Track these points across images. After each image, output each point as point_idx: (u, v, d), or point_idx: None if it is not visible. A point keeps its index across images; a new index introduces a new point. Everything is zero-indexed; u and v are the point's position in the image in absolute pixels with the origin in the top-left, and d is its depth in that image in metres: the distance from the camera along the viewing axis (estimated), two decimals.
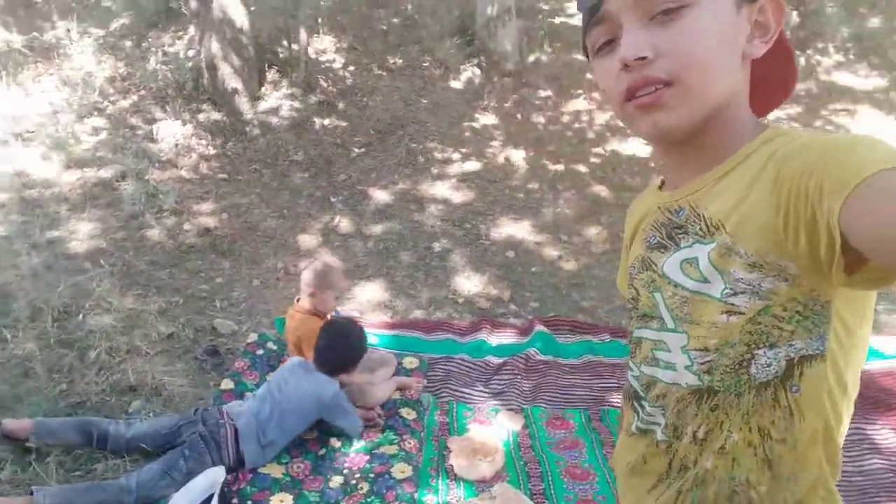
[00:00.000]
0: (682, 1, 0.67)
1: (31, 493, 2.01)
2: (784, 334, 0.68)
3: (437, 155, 5.22)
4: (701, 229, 0.74)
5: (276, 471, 2.36)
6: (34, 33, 5.73)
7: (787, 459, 0.72)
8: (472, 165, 5.17)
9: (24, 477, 2.19)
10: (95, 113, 5.02)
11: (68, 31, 5.60)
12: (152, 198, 4.21)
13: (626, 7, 0.69)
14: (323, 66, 5.87)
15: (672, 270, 0.77)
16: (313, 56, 5.83)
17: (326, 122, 5.34)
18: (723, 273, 0.70)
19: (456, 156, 5.26)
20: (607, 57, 0.74)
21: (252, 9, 5.48)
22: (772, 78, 0.80)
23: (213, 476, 2.12)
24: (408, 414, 2.70)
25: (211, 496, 2.04)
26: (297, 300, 2.92)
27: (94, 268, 3.50)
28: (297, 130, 5.20)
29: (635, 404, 0.86)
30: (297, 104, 5.39)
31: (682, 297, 0.75)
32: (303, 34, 5.52)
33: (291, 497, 2.25)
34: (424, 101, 5.78)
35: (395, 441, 2.51)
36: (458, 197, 4.79)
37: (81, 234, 3.85)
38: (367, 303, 3.64)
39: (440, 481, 2.37)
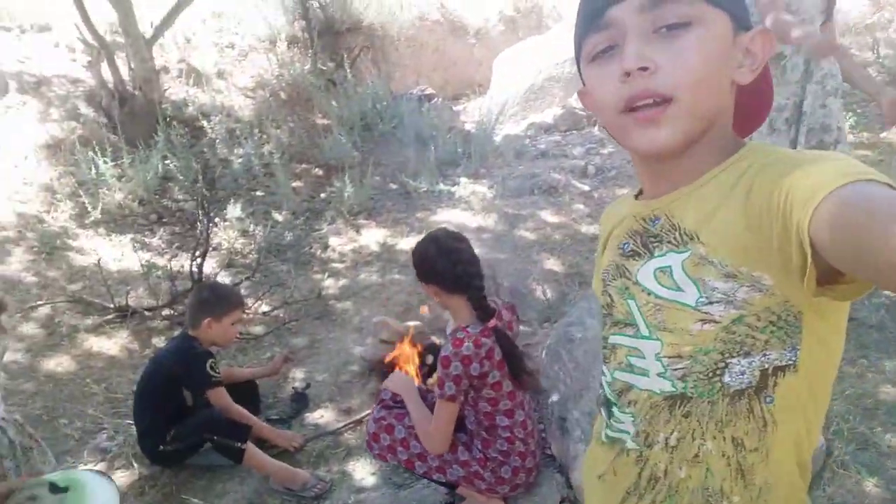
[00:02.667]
0: (688, 18, 0.69)
1: None
2: (758, 343, 0.69)
3: None
4: (675, 238, 0.75)
5: None
6: None
7: (760, 469, 0.73)
8: None
9: None
10: None
11: None
12: None
13: (632, 16, 0.70)
14: None
15: (646, 278, 0.78)
16: None
17: None
18: (697, 282, 0.71)
19: None
20: (605, 64, 0.74)
21: None
22: (750, 105, 0.82)
23: None
24: None
25: None
26: None
27: None
28: None
29: (605, 411, 0.87)
30: None
31: (655, 304, 0.76)
32: None
33: None
34: None
35: None
36: None
37: None
38: None
39: None
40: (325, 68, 6.31)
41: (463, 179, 5.19)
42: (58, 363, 3.18)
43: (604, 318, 0.88)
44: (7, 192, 4.27)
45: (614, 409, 0.84)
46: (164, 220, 4.59)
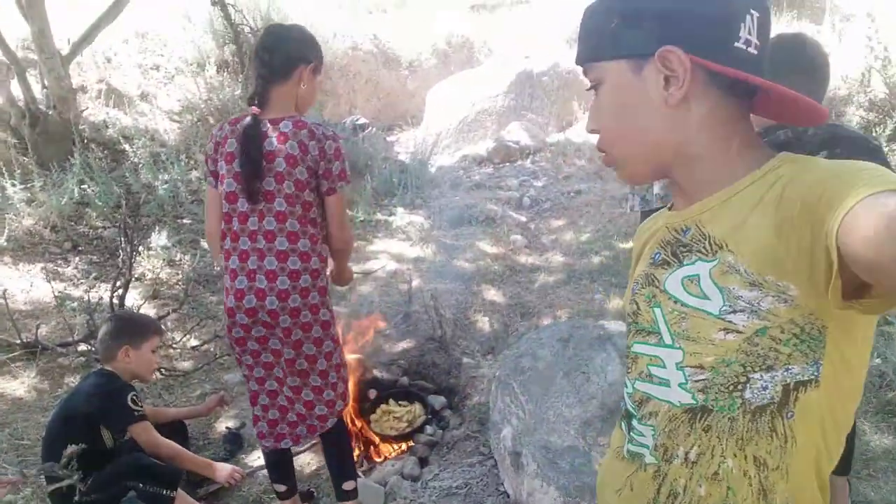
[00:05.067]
0: (595, 80, 0.80)
1: None
2: (781, 357, 0.69)
3: None
4: (704, 248, 0.75)
5: None
6: None
7: (781, 487, 0.73)
8: None
9: None
10: None
11: None
12: None
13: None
14: None
15: (673, 286, 0.78)
16: None
17: None
18: (722, 290, 0.71)
19: None
20: None
21: None
22: (793, 108, 0.77)
23: None
24: None
25: None
26: None
27: None
28: None
29: (626, 424, 0.86)
30: None
31: (681, 312, 0.76)
32: None
33: None
34: None
35: None
36: None
37: None
38: None
39: None
40: None
41: (399, 210, 5.15)
42: None
43: (628, 327, 0.88)
44: None
45: (634, 422, 0.84)
46: (80, 248, 4.27)
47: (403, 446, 2.75)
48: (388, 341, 3.48)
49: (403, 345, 3.46)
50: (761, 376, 0.70)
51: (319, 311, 1.88)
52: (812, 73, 1.68)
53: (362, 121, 7.01)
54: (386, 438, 2.77)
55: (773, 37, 1.31)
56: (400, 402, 2.98)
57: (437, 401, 3.03)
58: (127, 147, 5.01)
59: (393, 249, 4.64)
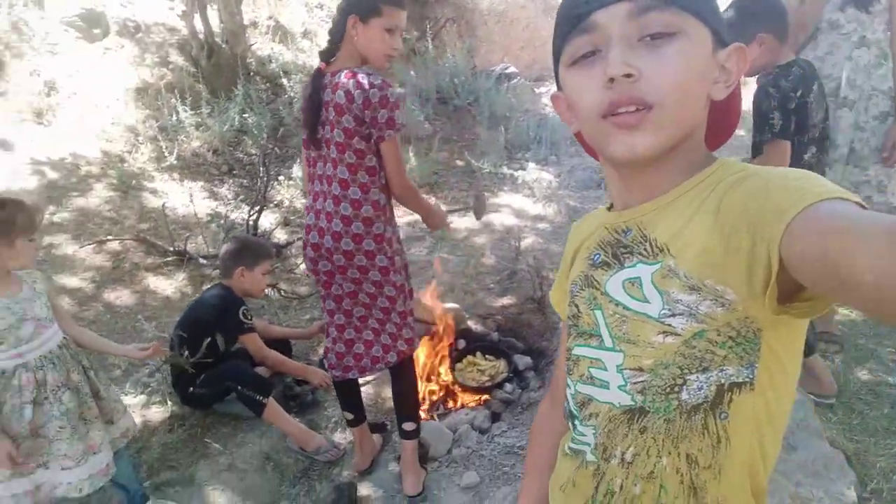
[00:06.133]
0: (673, 28, 0.69)
1: None
2: (716, 359, 0.69)
3: None
4: (646, 250, 0.75)
5: None
6: None
7: (712, 487, 0.73)
8: None
9: None
10: None
11: None
12: None
13: (618, 23, 0.70)
14: None
15: (614, 289, 0.78)
16: None
17: None
18: (662, 293, 0.71)
19: None
20: (587, 68, 0.73)
21: None
22: (719, 120, 0.82)
23: None
24: None
25: None
26: None
27: None
28: None
29: (570, 423, 0.87)
30: None
31: (621, 315, 0.76)
32: None
33: None
34: None
35: None
36: None
37: None
38: None
39: None
40: (408, 37, 6.29)
41: (531, 165, 5.10)
42: (117, 296, 3.39)
43: (569, 329, 0.88)
44: (96, 131, 4.54)
45: (577, 422, 0.84)
46: (235, 171, 4.76)
47: (481, 399, 2.84)
48: (489, 295, 3.55)
49: (504, 301, 3.51)
50: (697, 377, 0.70)
51: (375, 256, 1.97)
52: (783, 16, 2.14)
53: (511, 70, 6.93)
54: (466, 388, 2.88)
55: None
56: (487, 356, 3.06)
57: (523, 361, 3.06)
58: (285, 81, 5.41)
59: (516, 204, 4.64)
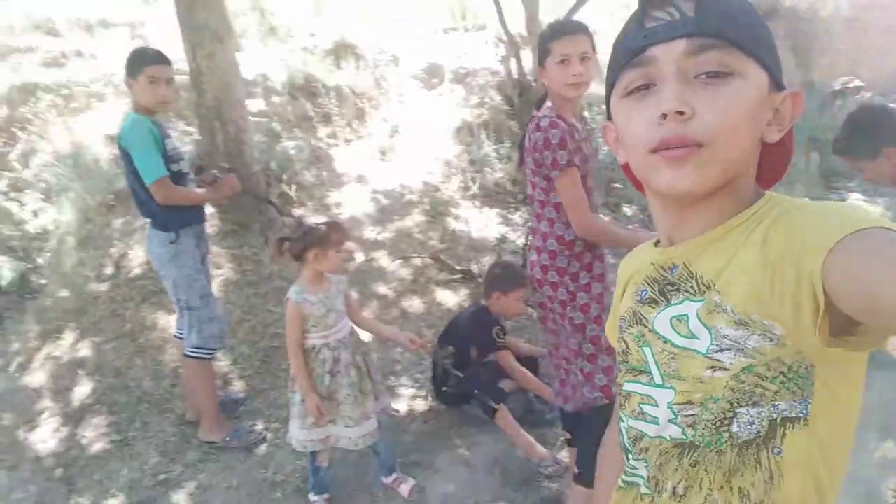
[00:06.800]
0: (730, 69, 0.69)
1: None
2: (767, 394, 0.69)
3: None
4: (692, 287, 0.76)
5: None
6: None
7: None
8: None
9: None
10: None
11: None
12: None
13: (675, 59, 0.70)
14: None
15: (662, 326, 0.79)
16: None
17: None
18: (710, 329, 0.72)
19: None
20: (639, 101, 0.74)
21: None
22: (771, 161, 0.81)
23: None
24: None
25: None
26: None
27: None
28: None
29: (624, 457, 0.89)
30: None
31: (670, 352, 0.77)
32: None
33: None
34: None
35: None
36: None
37: None
38: None
39: None
40: None
41: (854, 196, 4.36)
42: (410, 304, 4.08)
43: (619, 365, 0.90)
44: (421, 164, 5.47)
45: (630, 456, 0.86)
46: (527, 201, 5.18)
47: None
48: None
49: None
50: (748, 411, 0.70)
51: (557, 289, 2.05)
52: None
53: (855, 83, 5.97)
54: None
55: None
56: None
57: None
58: (587, 114, 5.67)
59: None
